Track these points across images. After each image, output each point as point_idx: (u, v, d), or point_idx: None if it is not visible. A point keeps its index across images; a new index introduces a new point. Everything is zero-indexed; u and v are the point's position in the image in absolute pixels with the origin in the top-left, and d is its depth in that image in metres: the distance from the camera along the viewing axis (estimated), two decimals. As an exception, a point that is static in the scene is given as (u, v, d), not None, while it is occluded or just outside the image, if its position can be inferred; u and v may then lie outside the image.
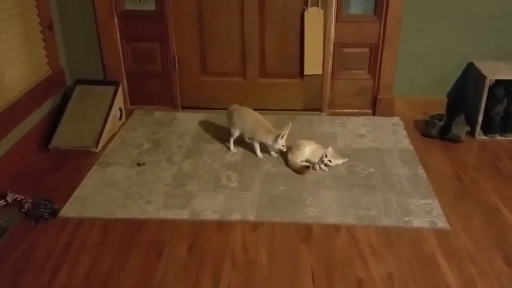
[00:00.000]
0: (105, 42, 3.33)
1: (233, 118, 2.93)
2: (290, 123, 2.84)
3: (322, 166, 2.76)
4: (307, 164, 2.78)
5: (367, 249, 2.20)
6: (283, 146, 2.81)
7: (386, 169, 2.79)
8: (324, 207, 2.47)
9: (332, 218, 2.39)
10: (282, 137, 2.78)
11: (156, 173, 2.76)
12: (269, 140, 2.83)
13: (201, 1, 3.23)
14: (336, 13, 3.21)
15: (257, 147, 2.91)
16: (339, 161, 2.77)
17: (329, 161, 2.73)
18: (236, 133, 2.95)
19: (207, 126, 3.30)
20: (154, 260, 2.14)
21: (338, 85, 3.42)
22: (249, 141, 2.97)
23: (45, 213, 2.39)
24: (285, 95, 3.45)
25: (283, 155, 2.88)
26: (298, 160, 2.79)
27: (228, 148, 2.99)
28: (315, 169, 2.78)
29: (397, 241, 2.24)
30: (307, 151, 2.80)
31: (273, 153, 2.91)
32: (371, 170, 2.78)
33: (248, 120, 2.90)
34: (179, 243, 2.24)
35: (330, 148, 2.76)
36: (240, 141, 3.02)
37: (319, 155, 2.76)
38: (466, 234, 2.28)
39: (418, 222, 2.36)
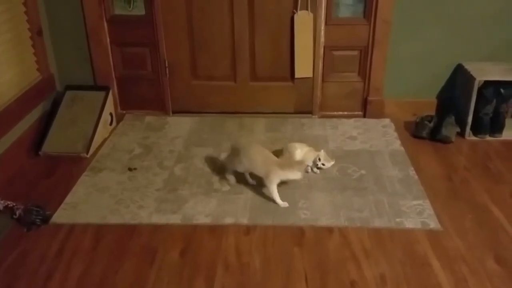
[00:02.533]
0: (95, 47, 3.32)
1: (240, 156, 2.56)
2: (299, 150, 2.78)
3: (315, 169, 2.77)
4: None
5: (359, 251, 2.21)
6: (323, 164, 2.74)
7: (378, 170, 2.80)
8: (317, 209, 2.48)
9: (325, 221, 2.40)
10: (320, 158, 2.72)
11: (147, 178, 2.76)
12: (298, 174, 2.49)
13: (191, 5, 3.23)
14: (326, 16, 3.22)
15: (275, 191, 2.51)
16: (331, 163, 2.78)
17: (323, 164, 2.74)
18: (240, 170, 2.64)
19: (198, 130, 3.30)
20: (147, 265, 2.13)
21: (329, 87, 3.43)
22: (253, 182, 2.66)
23: (37, 220, 2.38)
24: (276, 98, 3.46)
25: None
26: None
27: (228, 182, 2.68)
28: (307, 172, 2.78)
29: (390, 242, 2.26)
30: (299, 154, 2.81)
31: (251, 180, 2.68)
32: (363, 172, 2.79)
33: (258, 159, 2.55)
34: (172, 248, 2.23)
35: (322, 151, 2.77)
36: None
37: (312, 158, 2.77)
38: (457, 235, 2.30)
39: (410, 223, 2.37)
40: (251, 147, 2.61)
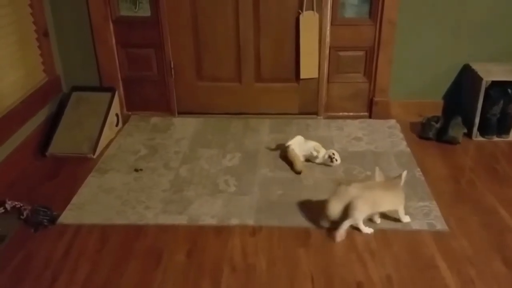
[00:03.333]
0: (100, 48, 3.33)
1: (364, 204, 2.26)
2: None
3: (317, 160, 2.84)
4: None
5: (365, 252, 2.20)
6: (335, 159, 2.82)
7: (383, 172, 2.77)
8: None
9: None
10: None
11: (153, 179, 2.76)
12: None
13: (196, 6, 3.23)
14: (332, 16, 3.22)
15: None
16: (339, 162, 2.84)
17: (336, 160, 2.80)
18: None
19: (203, 131, 3.30)
20: (153, 267, 2.13)
21: (334, 88, 3.42)
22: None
23: (44, 220, 2.38)
24: (281, 99, 3.46)
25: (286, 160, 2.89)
26: (287, 144, 2.86)
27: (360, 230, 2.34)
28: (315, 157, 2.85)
29: (396, 244, 2.25)
30: (296, 139, 2.87)
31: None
32: (368, 173, 2.78)
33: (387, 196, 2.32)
34: (177, 249, 2.23)
35: (331, 150, 2.85)
36: (241, 148, 3.02)
37: (321, 151, 2.83)
38: (464, 236, 2.29)
39: (417, 224, 2.36)
40: (369, 191, 2.28)
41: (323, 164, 2.83)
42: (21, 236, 2.33)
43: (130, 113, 3.53)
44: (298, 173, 2.77)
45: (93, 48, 3.33)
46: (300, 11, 3.19)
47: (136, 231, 2.35)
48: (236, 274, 2.09)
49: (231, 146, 3.09)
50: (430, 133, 3.13)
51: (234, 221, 2.40)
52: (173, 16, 3.25)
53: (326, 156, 2.82)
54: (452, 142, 3.08)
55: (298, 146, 2.87)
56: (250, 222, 2.40)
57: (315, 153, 2.82)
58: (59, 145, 3.04)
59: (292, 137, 2.94)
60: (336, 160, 2.81)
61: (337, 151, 2.87)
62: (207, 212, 2.47)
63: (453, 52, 3.27)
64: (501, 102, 3.09)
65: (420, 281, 2.04)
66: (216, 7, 3.23)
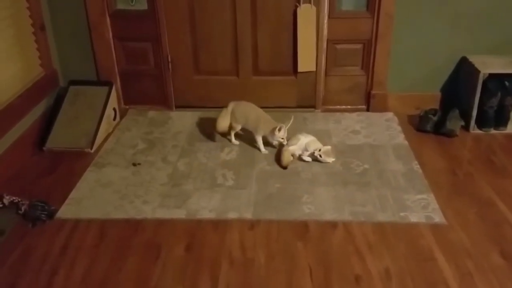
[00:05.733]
0: (97, 42, 3.31)
1: (235, 113, 2.95)
2: (292, 116, 2.90)
3: (306, 157, 2.81)
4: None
5: (364, 245, 2.20)
6: (282, 138, 2.83)
7: (381, 165, 2.80)
8: (320, 204, 2.47)
9: (329, 215, 2.39)
10: (280, 130, 2.81)
11: (151, 173, 2.76)
12: (267, 132, 2.88)
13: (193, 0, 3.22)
14: (329, 9, 3.21)
15: (260, 142, 2.94)
16: (330, 160, 2.80)
17: (320, 156, 2.76)
18: (237, 128, 2.99)
19: (201, 124, 3.29)
20: (152, 261, 2.14)
21: (332, 81, 3.42)
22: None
23: (42, 215, 2.38)
24: (279, 93, 3.45)
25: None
26: (290, 148, 2.82)
27: (230, 141, 3.04)
28: (302, 159, 2.83)
29: (394, 237, 2.25)
30: (303, 141, 2.83)
31: (275, 142, 2.92)
32: (366, 166, 2.79)
33: (251, 114, 2.93)
34: (176, 243, 2.24)
35: (329, 147, 2.81)
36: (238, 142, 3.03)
37: (314, 146, 2.79)
38: (462, 229, 2.29)
39: (414, 217, 2.37)
40: (245, 105, 2.99)
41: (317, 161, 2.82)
42: (20, 231, 2.33)
43: (127, 107, 3.53)
44: (283, 167, 2.78)
45: (90, 42, 3.32)
46: (297, 4, 3.18)
47: (134, 226, 2.35)
48: (235, 268, 2.09)
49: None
50: (428, 125, 3.13)
51: (232, 215, 2.40)
52: (170, 9, 3.24)
53: (310, 155, 2.81)
54: (450, 134, 3.08)
55: (298, 146, 2.85)
56: (248, 216, 2.40)
57: (311, 149, 2.81)
58: (56, 140, 3.03)
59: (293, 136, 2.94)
60: (320, 156, 2.77)
61: (334, 144, 2.87)
62: (205, 206, 2.47)
63: (450, 44, 3.26)
64: (499, 94, 3.09)
65: (418, 273, 2.04)
66: (213, 0, 3.21)
